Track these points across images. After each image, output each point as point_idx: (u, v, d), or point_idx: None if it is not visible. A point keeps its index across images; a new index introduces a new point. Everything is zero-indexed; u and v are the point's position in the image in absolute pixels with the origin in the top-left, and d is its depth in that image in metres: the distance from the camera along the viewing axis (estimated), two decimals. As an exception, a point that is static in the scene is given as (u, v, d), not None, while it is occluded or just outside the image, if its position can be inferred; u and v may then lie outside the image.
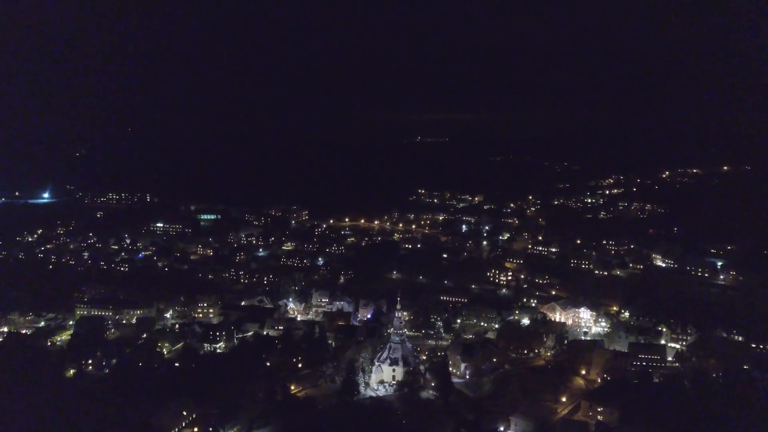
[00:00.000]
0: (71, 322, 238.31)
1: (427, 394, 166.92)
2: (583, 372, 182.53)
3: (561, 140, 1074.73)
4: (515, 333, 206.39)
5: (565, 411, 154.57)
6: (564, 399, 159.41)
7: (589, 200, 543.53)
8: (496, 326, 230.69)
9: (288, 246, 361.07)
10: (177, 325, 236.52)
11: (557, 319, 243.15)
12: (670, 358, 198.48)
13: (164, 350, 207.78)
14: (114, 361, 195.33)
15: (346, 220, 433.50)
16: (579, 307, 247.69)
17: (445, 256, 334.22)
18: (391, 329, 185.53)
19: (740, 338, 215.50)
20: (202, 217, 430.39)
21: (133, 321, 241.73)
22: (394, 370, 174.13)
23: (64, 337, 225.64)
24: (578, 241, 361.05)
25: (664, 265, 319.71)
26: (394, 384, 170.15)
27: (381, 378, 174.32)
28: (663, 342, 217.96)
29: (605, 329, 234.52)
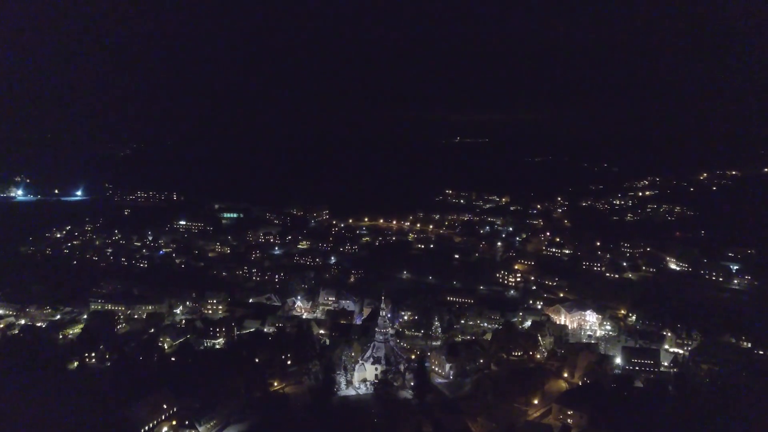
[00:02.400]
0: (85, 316, 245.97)
1: (406, 393, 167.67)
2: (566, 375, 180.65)
3: (603, 141, 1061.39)
4: (508, 335, 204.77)
5: (537, 414, 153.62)
6: (536, 401, 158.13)
7: (618, 202, 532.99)
8: (499, 327, 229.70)
9: (303, 245, 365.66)
10: (183, 321, 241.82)
11: (561, 322, 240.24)
12: (666, 363, 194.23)
13: (165, 345, 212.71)
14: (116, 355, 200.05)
15: (366, 219, 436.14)
16: (585, 310, 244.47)
17: (456, 256, 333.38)
18: (376, 328, 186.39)
19: (748, 344, 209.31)
20: (225, 216, 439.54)
21: (144, 316, 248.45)
22: (376, 369, 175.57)
23: (76, 330, 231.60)
24: (598, 243, 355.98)
25: (677, 268, 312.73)
26: (375, 382, 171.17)
27: (364, 376, 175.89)
28: (666, 347, 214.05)
29: (609, 333, 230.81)
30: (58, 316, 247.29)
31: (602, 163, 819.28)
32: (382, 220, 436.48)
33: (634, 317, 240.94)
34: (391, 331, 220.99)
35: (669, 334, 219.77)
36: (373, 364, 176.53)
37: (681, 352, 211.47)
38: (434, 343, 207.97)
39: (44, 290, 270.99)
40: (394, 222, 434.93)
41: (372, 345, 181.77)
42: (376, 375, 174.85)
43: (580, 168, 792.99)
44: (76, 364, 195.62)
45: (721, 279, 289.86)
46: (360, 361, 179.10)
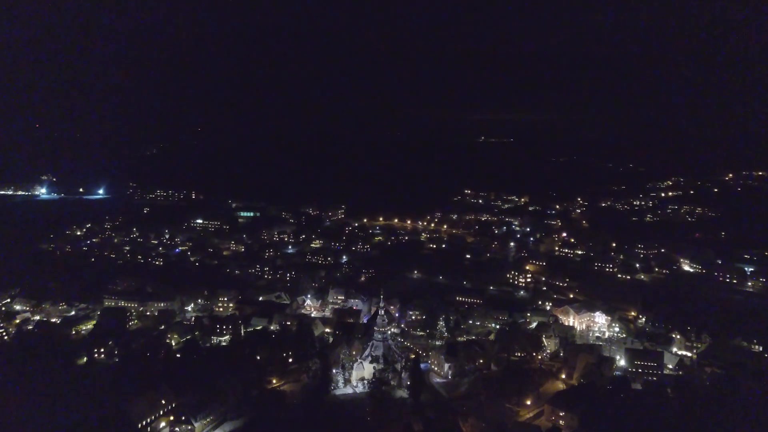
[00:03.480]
0: (98, 313, 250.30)
1: (402, 392, 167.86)
2: (563, 376, 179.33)
3: (631, 142, 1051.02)
4: (511, 335, 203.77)
5: (530, 414, 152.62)
6: (529, 402, 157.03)
7: (638, 203, 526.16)
8: (507, 328, 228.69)
9: (316, 244, 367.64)
10: (193, 318, 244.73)
11: (570, 323, 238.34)
12: (670, 366, 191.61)
13: (173, 342, 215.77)
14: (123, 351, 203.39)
15: (380, 219, 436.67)
16: (594, 311, 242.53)
17: (468, 256, 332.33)
18: (375, 327, 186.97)
19: (759, 347, 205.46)
20: (241, 215, 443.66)
21: (156, 313, 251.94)
22: (374, 368, 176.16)
23: (89, 326, 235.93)
24: (614, 244, 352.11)
25: (691, 270, 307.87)
26: (370, 381, 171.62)
27: (362, 375, 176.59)
28: (675, 349, 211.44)
29: (618, 334, 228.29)
30: (73, 313, 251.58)
31: (629, 163, 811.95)
32: (396, 220, 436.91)
33: (643, 319, 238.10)
34: (395, 330, 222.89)
35: (678, 337, 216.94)
36: (371, 362, 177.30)
37: (689, 354, 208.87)
38: (437, 343, 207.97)
39: (61, 287, 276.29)
40: (409, 222, 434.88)
41: (370, 344, 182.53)
42: (373, 374, 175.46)
43: (606, 168, 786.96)
44: (84, 359, 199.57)
45: (735, 281, 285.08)
46: (359, 360, 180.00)
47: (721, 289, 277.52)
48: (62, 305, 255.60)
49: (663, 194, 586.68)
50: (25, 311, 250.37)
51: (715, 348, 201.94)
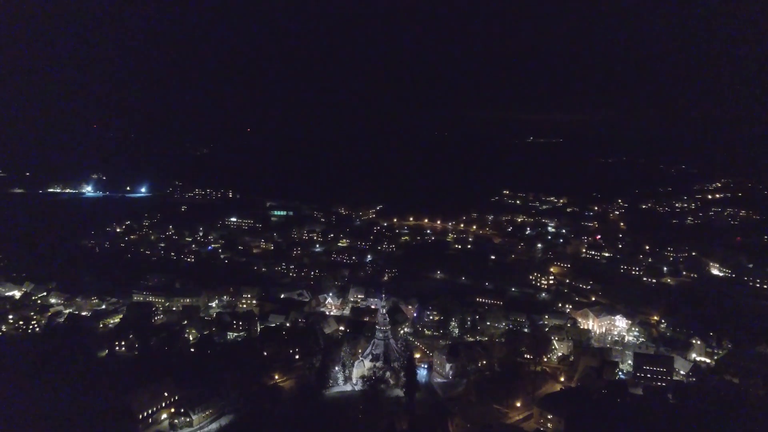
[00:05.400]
0: (125, 307, 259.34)
1: (399, 391, 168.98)
2: (563, 379, 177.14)
3: (687, 142, 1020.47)
4: (519, 337, 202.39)
5: (520, 416, 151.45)
6: (519, 404, 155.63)
7: (681, 205, 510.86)
8: (525, 330, 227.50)
9: (343, 243, 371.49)
10: (215, 314, 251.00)
11: (588, 326, 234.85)
12: (682, 372, 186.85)
13: (190, 336, 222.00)
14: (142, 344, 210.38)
15: (411, 219, 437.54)
16: (614, 315, 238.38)
17: (492, 257, 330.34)
18: (377, 326, 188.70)
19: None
20: (275, 214, 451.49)
21: (181, 308, 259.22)
22: (374, 366, 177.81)
23: (116, 320, 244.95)
24: (647, 247, 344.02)
25: (720, 274, 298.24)
26: (368, 379, 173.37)
27: (362, 373, 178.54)
28: (694, 355, 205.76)
29: (637, 339, 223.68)
30: (103, 306, 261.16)
31: (681, 164, 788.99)
32: (426, 220, 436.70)
33: (665, 324, 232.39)
34: (408, 329, 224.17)
35: (698, 342, 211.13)
36: (371, 361, 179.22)
37: (708, 361, 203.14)
38: (449, 343, 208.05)
39: (95, 281, 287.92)
40: (438, 222, 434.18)
41: (372, 342, 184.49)
42: (373, 372, 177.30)
43: (656, 169, 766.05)
44: (105, 352, 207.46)
45: (766, 286, 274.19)
46: (360, 358, 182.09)
47: (750, 295, 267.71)
48: (94, 299, 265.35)
49: (710, 196, 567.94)
50: (59, 304, 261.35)
51: (734, 355, 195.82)
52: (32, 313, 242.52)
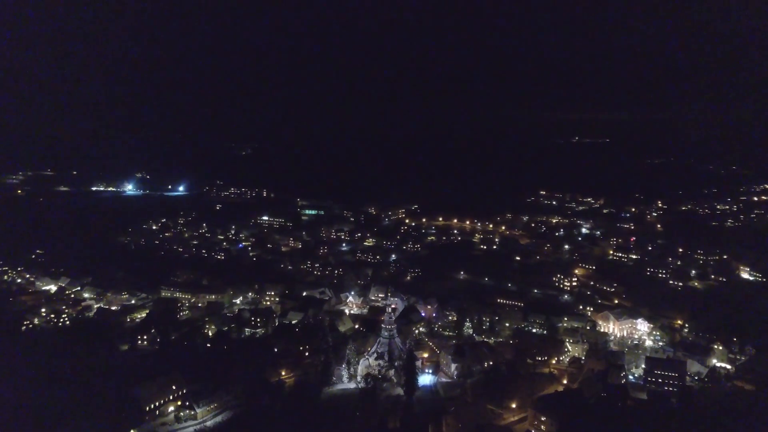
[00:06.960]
0: (151, 302, 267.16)
1: (400, 390, 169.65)
2: (566, 381, 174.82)
3: (739, 143, 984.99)
4: (529, 338, 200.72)
5: (515, 418, 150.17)
6: (514, 405, 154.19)
7: (723, 206, 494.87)
8: (545, 331, 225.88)
9: (369, 242, 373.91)
10: (237, 311, 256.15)
11: (609, 329, 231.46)
12: (697, 378, 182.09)
13: (210, 333, 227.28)
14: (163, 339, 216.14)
15: (440, 219, 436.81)
16: (636, 318, 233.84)
17: (517, 258, 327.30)
18: (382, 325, 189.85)
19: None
20: (305, 213, 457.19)
21: (206, 305, 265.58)
22: (378, 364, 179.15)
23: (143, 314, 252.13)
24: (680, 250, 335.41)
25: (750, 278, 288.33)
26: (368, 377, 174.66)
27: (367, 371, 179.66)
28: (715, 361, 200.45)
29: (656, 343, 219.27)
30: (132, 301, 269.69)
31: (732, 165, 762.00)
32: (455, 220, 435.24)
33: (687, 328, 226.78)
34: (423, 329, 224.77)
35: (719, 348, 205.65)
36: (376, 359, 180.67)
37: (729, 367, 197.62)
38: (455, 343, 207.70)
39: (127, 277, 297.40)
40: (468, 222, 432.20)
41: (377, 341, 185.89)
42: (378, 370, 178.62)
43: (704, 170, 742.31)
44: (127, 346, 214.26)
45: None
46: (365, 356, 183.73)
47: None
48: (124, 294, 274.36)
49: (756, 198, 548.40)
50: (91, 299, 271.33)
51: (755, 361, 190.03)
52: (64, 307, 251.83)
